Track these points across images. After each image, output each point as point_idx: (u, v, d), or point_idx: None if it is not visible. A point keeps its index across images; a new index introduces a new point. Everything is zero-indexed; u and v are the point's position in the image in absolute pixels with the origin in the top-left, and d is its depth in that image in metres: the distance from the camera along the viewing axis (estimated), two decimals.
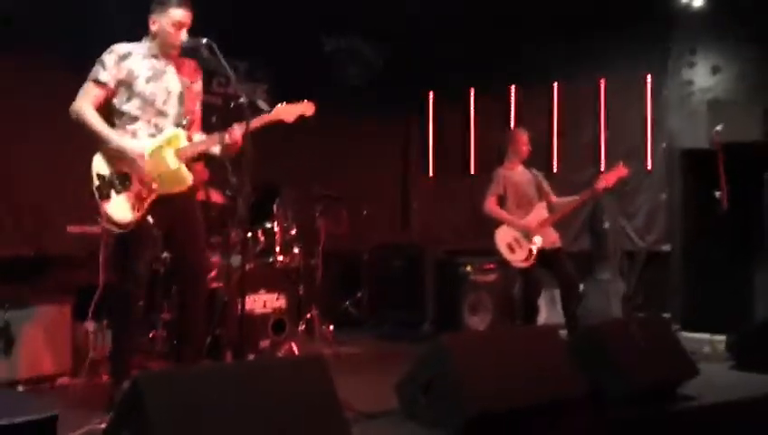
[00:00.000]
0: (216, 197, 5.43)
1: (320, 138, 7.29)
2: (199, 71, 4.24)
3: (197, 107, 4.24)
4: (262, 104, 3.91)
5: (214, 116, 5.08)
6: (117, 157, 3.88)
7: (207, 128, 4.47)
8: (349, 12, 7.40)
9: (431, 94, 8.71)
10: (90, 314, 4.49)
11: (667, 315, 6.84)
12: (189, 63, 4.19)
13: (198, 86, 4.23)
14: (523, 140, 6.20)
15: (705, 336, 6.20)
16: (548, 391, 3.47)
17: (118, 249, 4.03)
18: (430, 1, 7.51)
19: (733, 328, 5.55)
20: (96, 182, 3.87)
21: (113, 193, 3.86)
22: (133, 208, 3.85)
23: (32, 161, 5.81)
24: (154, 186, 3.88)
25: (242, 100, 3.77)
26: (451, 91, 8.54)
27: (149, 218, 3.89)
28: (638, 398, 3.73)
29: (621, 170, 5.89)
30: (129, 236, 3.89)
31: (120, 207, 3.85)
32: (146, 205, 3.87)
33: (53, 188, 5.76)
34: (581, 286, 7.46)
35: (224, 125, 4.90)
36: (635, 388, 3.74)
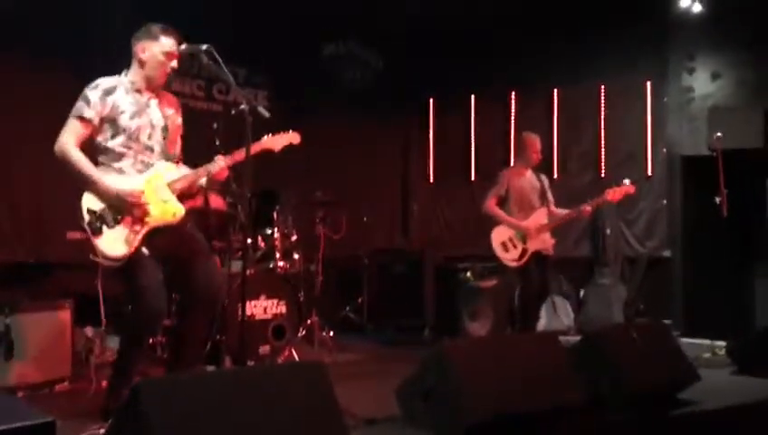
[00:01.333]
0: (217, 203, 5.43)
1: (319, 143, 7.28)
2: (179, 103, 4.22)
3: (178, 140, 4.19)
4: (262, 110, 3.87)
5: (215, 123, 5.08)
6: (107, 192, 3.79)
7: (209, 135, 4.46)
8: (348, 17, 7.42)
9: (431, 100, 8.73)
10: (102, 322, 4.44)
11: (667, 321, 6.82)
12: (169, 96, 4.16)
13: (179, 119, 4.17)
14: (534, 147, 6.11)
15: (706, 342, 6.20)
16: (548, 397, 3.46)
17: (125, 279, 3.90)
18: (430, 7, 7.52)
19: (733, 334, 5.55)
20: (87, 218, 3.76)
21: (105, 228, 3.77)
22: (126, 242, 3.77)
23: (32, 168, 5.81)
24: (146, 219, 3.82)
25: (243, 106, 3.74)
26: (451, 96, 8.56)
27: (144, 250, 3.81)
28: (639, 403, 3.72)
29: (629, 188, 5.86)
30: (129, 266, 3.80)
31: (113, 242, 3.76)
32: (139, 238, 3.80)
33: (53, 194, 5.75)
34: (582, 292, 7.49)
35: (225, 132, 4.90)
36: (635, 393, 3.73)
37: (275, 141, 4.18)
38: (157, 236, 3.86)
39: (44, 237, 5.85)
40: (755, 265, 6.64)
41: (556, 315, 7.23)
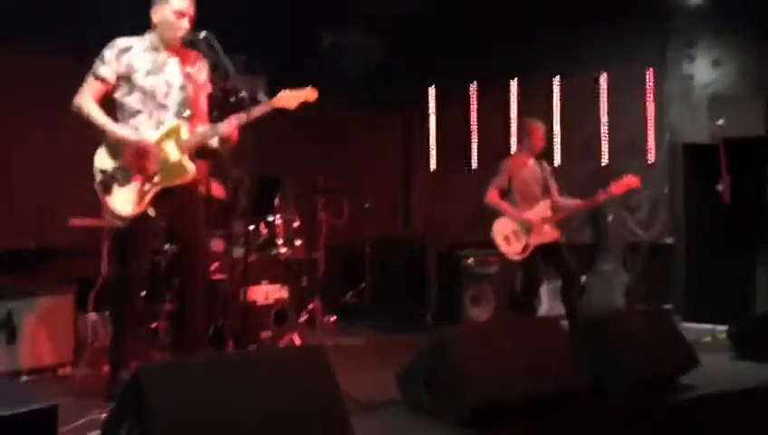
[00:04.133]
0: (218, 190, 5.43)
1: (321, 130, 7.28)
2: (203, 61, 4.20)
3: (202, 98, 4.21)
4: (262, 97, 3.88)
5: (215, 110, 5.08)
6: (120, 149, 3.87)
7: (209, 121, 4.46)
8: (348, 4, 7.38)
9: (432, 88, 8.71)
10: (89, 306, 4.49)
11: (668, 307, 6.83)
12: (193, 55, 4.16)
13: (203, 76, 4.19)
14: (539, 135, 6.04)
15: (707, 327, 6.21)
16: (550, 381, 3.47)
17: (119, 240, 4.03)
18: None
19: (734, 319, 5.55)
20: (98, 177, 3.88)
21: (115, 187, 3.86)
22: (135, 201, 3.86)
23: (33, 154, 5.82)
24: (156, 178, 3.88)
25: (242, 94, 3.75)
26: (452, 83, 8.53)
27: (151, 211, 3.91)
28: (640, 388, 3.74)
29: (634, 182, 5.82)
30: (131, 229, 3.90)
31: (122, 201, 3.86)
32: (148, 197, 3.88)
33: (55, 180, 5.77)
34: (584, 278, 7.49)
35: (224, 119, 4.89)
36: (636, 378, 3.74)
37: (291, 98, 4.00)
38: (165, 198, 3.93)
39: (47, 224, 5.86)
40: (757, 252, 6.63)
41: (558, 300, 7.23)
